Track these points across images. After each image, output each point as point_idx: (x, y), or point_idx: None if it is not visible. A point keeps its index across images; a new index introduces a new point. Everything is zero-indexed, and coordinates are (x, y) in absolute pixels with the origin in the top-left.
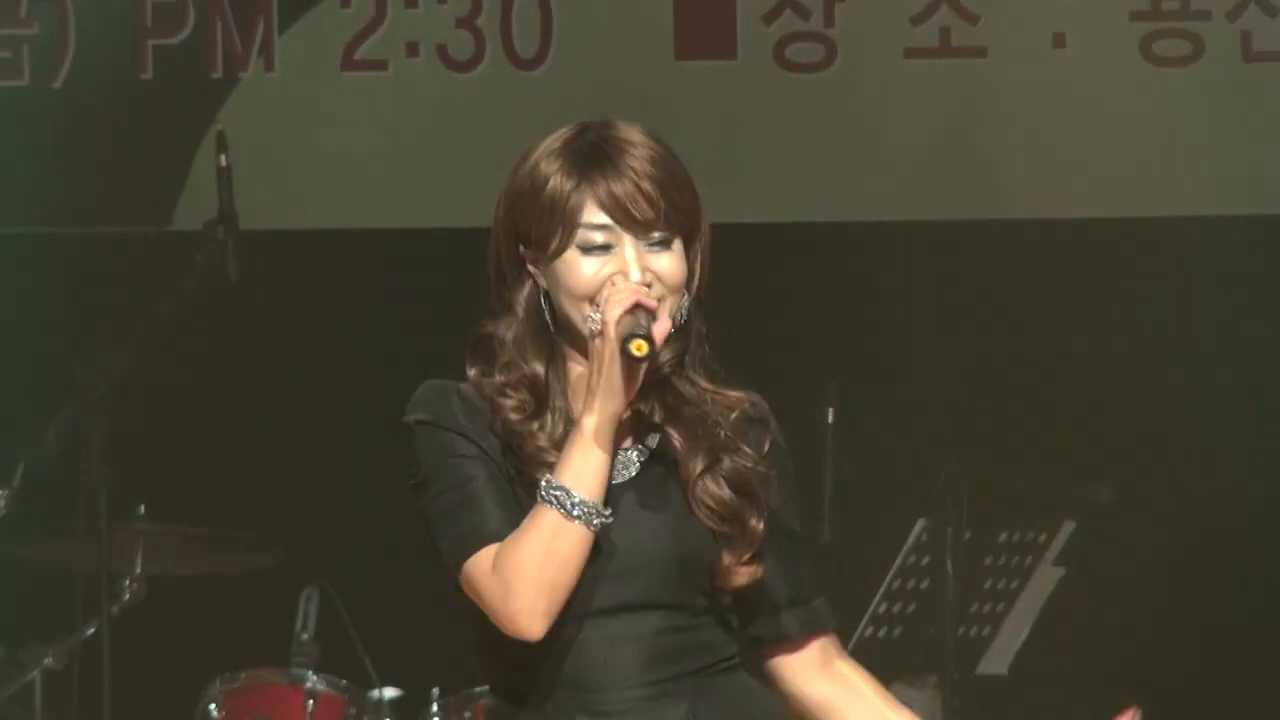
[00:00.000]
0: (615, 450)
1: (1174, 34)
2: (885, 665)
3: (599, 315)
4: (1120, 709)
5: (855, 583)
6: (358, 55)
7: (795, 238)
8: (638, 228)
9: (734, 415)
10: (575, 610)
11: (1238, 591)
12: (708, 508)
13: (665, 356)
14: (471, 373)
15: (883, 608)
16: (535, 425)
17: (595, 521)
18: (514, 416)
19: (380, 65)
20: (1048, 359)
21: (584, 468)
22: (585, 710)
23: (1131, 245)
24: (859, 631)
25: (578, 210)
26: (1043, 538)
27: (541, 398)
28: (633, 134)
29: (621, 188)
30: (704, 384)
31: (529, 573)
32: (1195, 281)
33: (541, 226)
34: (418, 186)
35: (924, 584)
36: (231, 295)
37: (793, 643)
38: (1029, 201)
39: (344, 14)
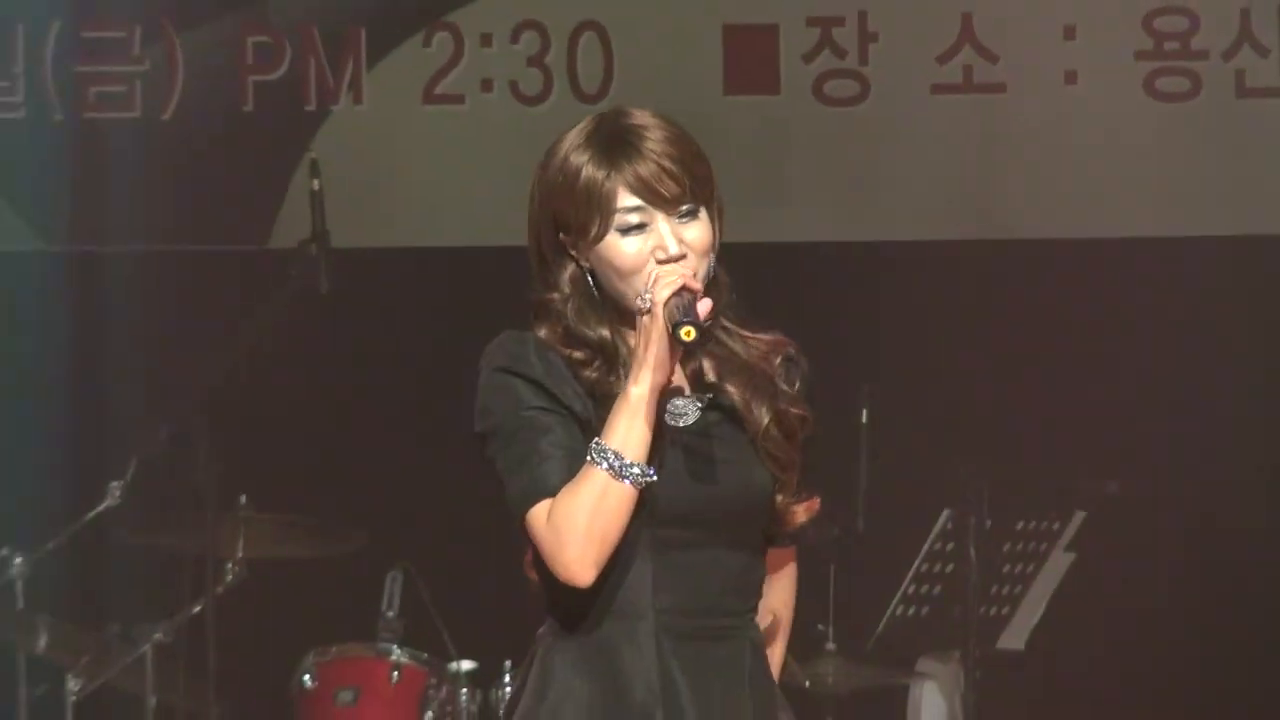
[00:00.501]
0: (667, 403)
1: (1174, 72)
2: (914, 641)
3: (649, 295)
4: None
5: (887, 567)
6: (437, 90)
7: (832, 255)
8: (667, 204)
9: (777, 360)
10: (649, 540)
11: (1233, 576)
12: (773, 457)
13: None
14: (542, 331)
15: (912, 589)
16: (614, 380)
17: (641, 480)
18: (594, 375)
19: (458, 99)
20: (1059, 365)
21: (630, 433)
22: (651, 635)
23: (1135, 262)
24: (890, 610)
25: (611, 197)
26: (1056, 526)
27: (611, 359)
28: (646, 118)
29: (647, 169)
30: (741, 331)
31: (579, 526)
32: (1192, 295)
33: (580, 215)
34: (490, 208)
35: (949, 568)
36: (323, 306)
37: (776, 551)
38: (1043, 223)
39: (425, 53)
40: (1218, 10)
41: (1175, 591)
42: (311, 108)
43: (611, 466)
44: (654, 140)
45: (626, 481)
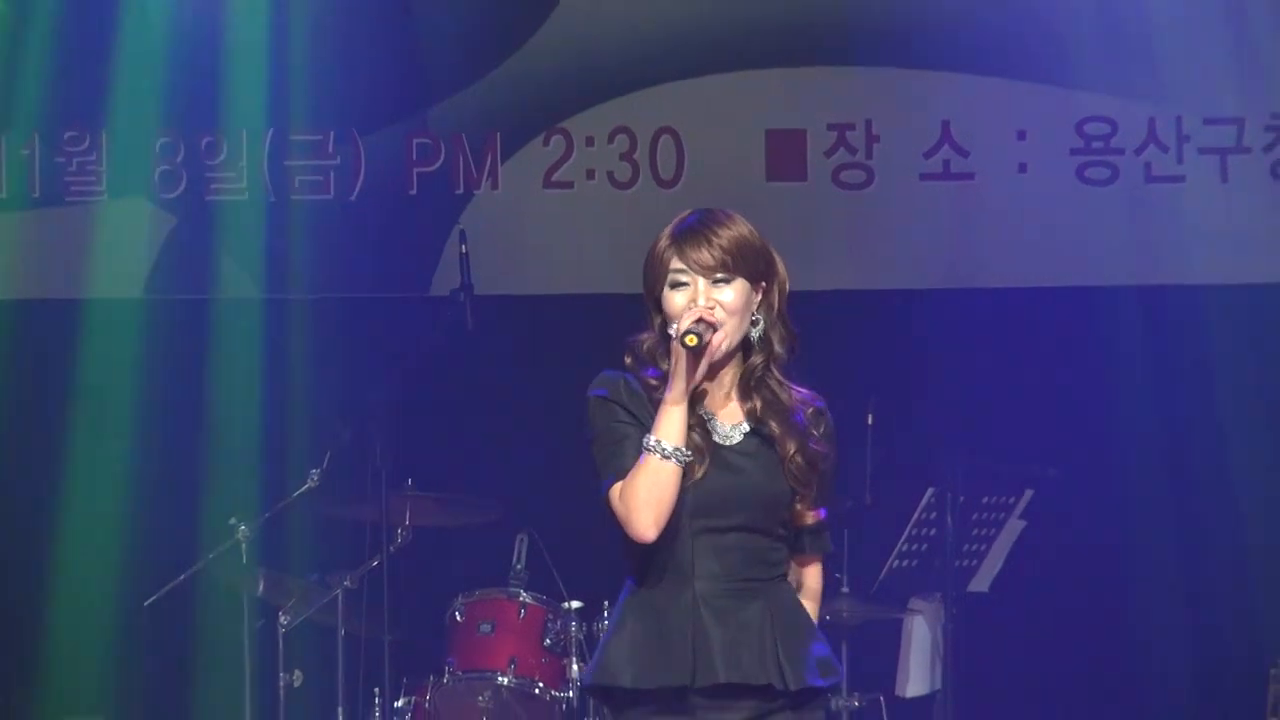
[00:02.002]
0: (720, 427)
1: (1099, 164)
2: (906, 586)
3: (676, 326)
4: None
5: (886, 530)
6: (554, 178)
7: (848, 300)
8: (704, 270)
9: (809, 410)
10: (694, 526)
11: (1152, 537)
12: (794, 475)
13: (751, 362)
14: (629, 362)
15: (905, 547)
16: None
17: (680, 460)
18: (661, 394)
19: (569, 185)
20: (1015, 382)
21: (668, 426)
22: (699, 595)
23: (1069, 306)
24: (889, 562)
25: (668, 262)
26: (1011, 500)
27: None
28: (717, 214)
29: (691, 243)
30: (788, 384)
31: (640, 496)
32: (1110, 329)
33: (653, 278)
34: (593, 266)
35: (932, 532)
36: (469, 338)
37: (803, 557)
38: (1002, 276)
39: (544, 150)
40: (1131, 118)
41: (1100, 549)
42: (460, 191)
43: (657, 451)
44: (709, 225)
45: (670, 460)
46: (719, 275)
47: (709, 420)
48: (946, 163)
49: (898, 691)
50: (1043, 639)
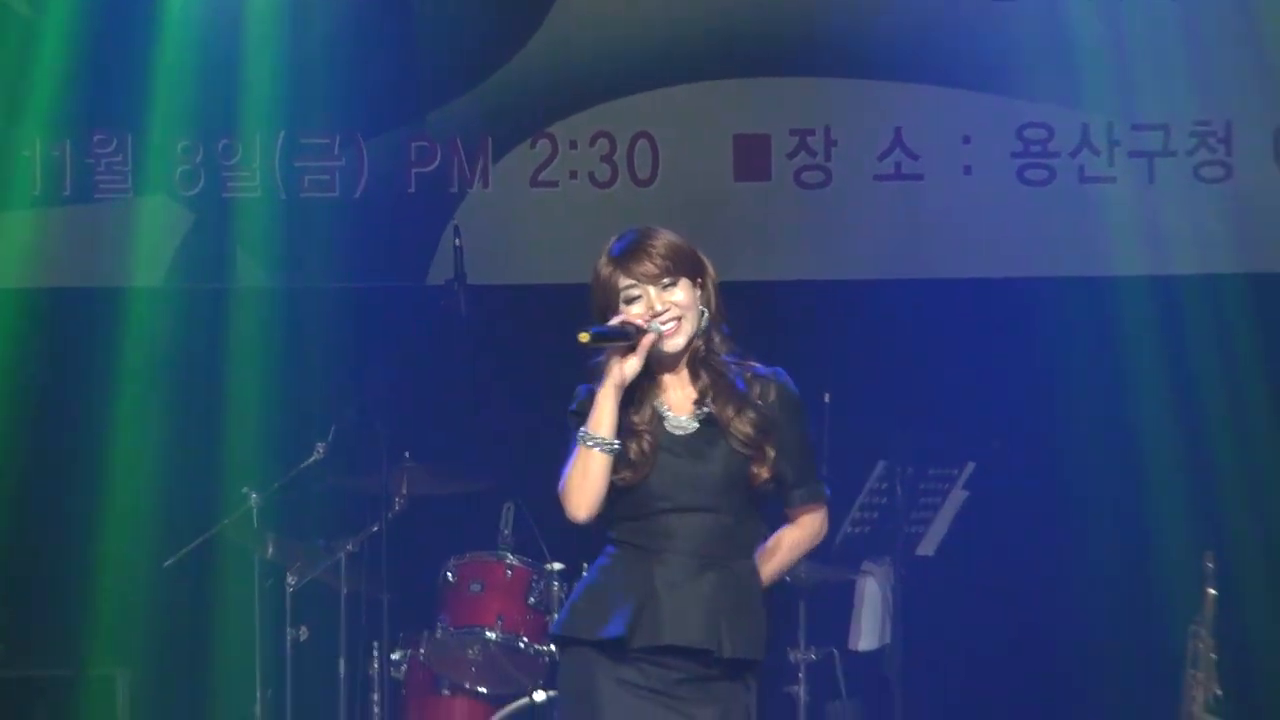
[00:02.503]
0: (667, 412)
1: (1037, 165)
2: (859, 549)
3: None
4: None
5: (842, 500)
6: (540, 178)
7: (807, 290)
8: (651, 279)
9: (748, 376)
10: (662, 504)
11: (1086, 505)
12: (741, 441)
13: (684, 347)
14: (595, 383)
15: (858, 515)
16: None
17: (607, 449)
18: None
19: (553, 184)
20: (960, 364)
21: (597, 417)
22: (659, 561)
23: (1011, 295)
24: (843, 529)
25: (617, 282)
26: (955, 471)
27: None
28: (645, 230)
29: (634, 259)
30: (729, 363)
31: (572, 483)
32: (1048, 317)
33: (605, 301)
34: (575, 258)
35: (883, 500)
36: (463, 324)
37: (789, 510)
38: (949, 267)
39: (531, 153)
40: (1067, 124)
41: (1037, 517)
42: (454, 190)
43: (584, 440)
44: (641, 242)
45: (595, 449)
46: (665, 280)
47: (664, 414)
48: (898, 165)
49: (851, 645)
50: (984, 599)
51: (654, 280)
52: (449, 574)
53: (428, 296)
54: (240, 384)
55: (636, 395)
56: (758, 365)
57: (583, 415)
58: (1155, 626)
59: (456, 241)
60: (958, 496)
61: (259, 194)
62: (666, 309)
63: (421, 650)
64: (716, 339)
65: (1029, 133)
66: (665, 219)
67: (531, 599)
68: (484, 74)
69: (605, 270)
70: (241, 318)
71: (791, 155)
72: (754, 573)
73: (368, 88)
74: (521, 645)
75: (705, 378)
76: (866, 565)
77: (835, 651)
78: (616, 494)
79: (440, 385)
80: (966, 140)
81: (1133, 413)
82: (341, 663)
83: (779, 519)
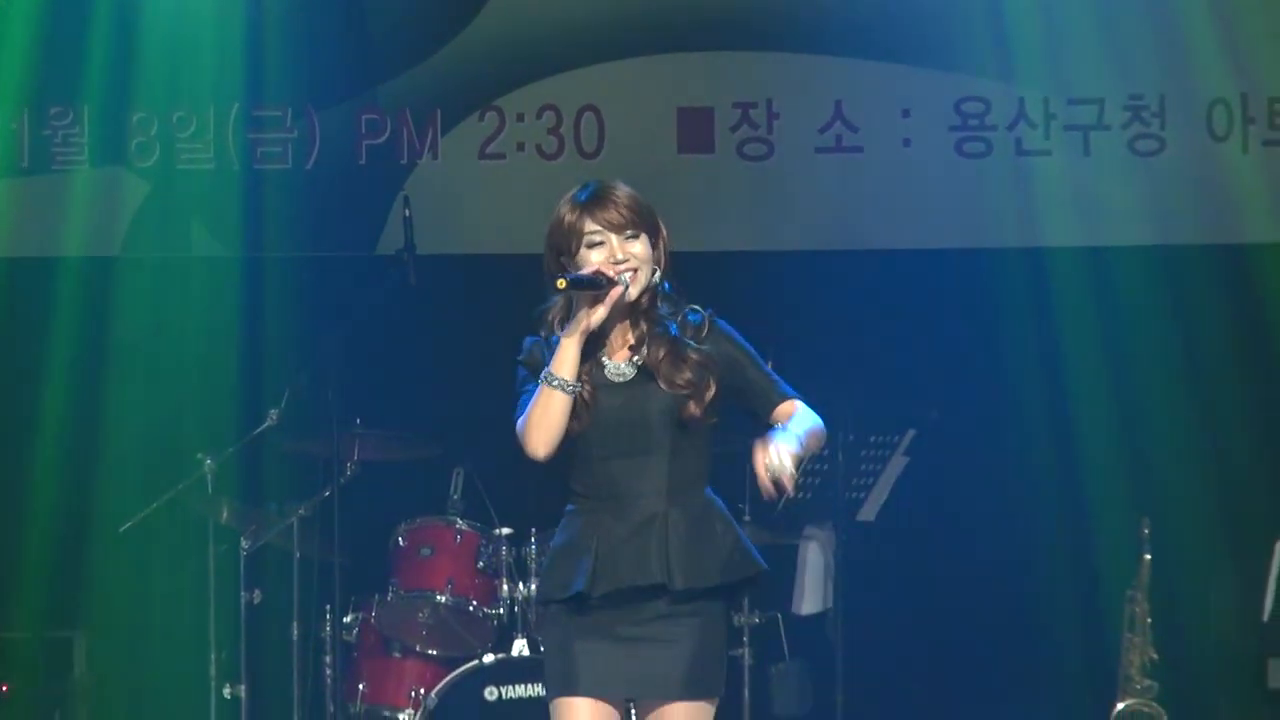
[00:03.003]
0: (606, 360)
1: (975, 139)
2: (802, 515)
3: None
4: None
5: None
6: (488, 150)
7: (750, 261)
8: (616, 228)
9: (681, 320)
10: (606, 452)
11: (1023, 470)
12: (674, 383)
13: (635, 299)
14: (541, 333)
15: (801, 480)
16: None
17: (568, 389)
18: None
19: (501, 157)
20: (899, 333)
21: (561, 359)
22: (611, 511)
23: (946, 265)
24: (785, 495)
25: (581, 227)
26: (895, 439)
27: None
28: (609, 182)
29: (601, 207)
30: (664, 311)
31: (532, 420)
32: (984, 289)
33: (564, 244)
34: (522, 229)
35: (825, 467)
36: (413, 293)
37: (776, 411)
38: (887, 238)
39: (480, 125)
40: (1003, 98)
41: (974, 481)
42: (404, 162)
43: (549, 381)
44: (608, 192)
45: (557, 388)
46: (628, 231)
47: (603, 361)
48: (839, 138)
49: (794, 609)
50: (923, 564)
51: (618, 229)
52: (399, 538)
53: (378, 266)
54: (195, 352)
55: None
56: (691, 311)
57: (531, 365)
58: (1092, 591)
59: (406, 212)
60: (898, 463)
61: (213, 165)
62: (626, 259)
63: (373, 613)
64: (659, 294)
65: (967, 106)
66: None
67: (480, 563)
68: (433, 47)
69: (569, 215)
70: (196, 287)
71: (734, 128)
72: (707, 505)
73: (319, 61)
74: (471, 608)
75: (643, 326)
76: (809, 530)
77: (779, 615)
78: (565, 447)
79: (390, 353)
80: (906, 114)
81: (1068, 381)
82: (294, 625)
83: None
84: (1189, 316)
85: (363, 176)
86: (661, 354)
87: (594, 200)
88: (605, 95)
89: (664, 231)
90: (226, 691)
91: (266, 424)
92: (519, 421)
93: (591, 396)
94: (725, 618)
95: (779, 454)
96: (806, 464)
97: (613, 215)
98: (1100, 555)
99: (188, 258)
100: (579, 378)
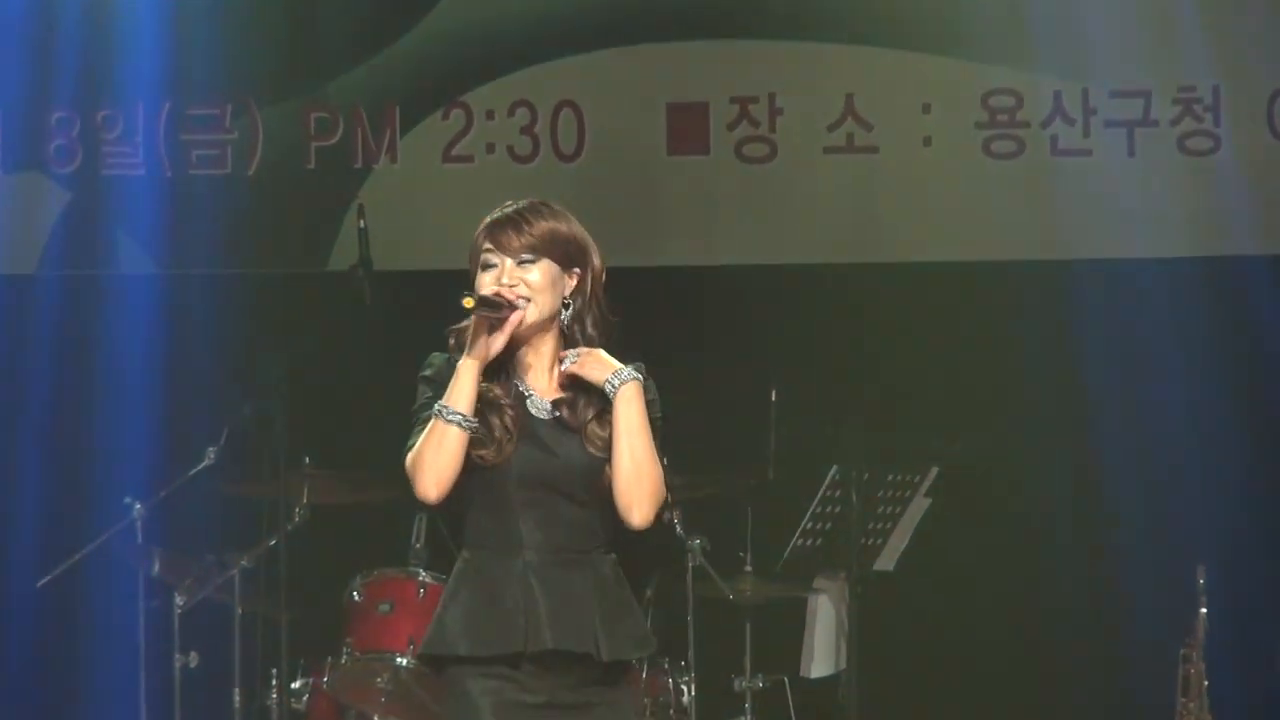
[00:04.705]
0: (529, 391)
1: (1005, 137)
2: (811, 564)
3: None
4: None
5: (790, 508)
6: (453, 152)
7: (750, 276)
8: (510, 252)
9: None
10: (519, 499)
11: (1060, 514)
12: (593, 443)
13: (543, 329)
14: (452, 344)
15: (809, 525)
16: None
17: (464, 425)
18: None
19: (468, 159)
20: (921, 358)
21: (454, 391)
22: (521, 564)
23: (974, 281)
24: (793, 541)
25: (480, 247)
26: (917, 478)
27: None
28: (534, 204)
29: (501, 229)
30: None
31: (425, 458)
32: (1012, 305)
33: (471, 264)
34: None
35: (837, 510)
36: (367, 314)
37: None
38: (905, 250)
39: (444, 124)
40: (1037, 91)
41: (1007, 527)
42: (358, 166)
43: (440, 414)
44: (517, 211)
45: (451, 424)
46: (524, 256)
47: (527, 395)
48: (850, 136)
49: (802, 672)
50: (949, 618)
51: (512, 253)
52: (355, 593)
53: (329, 284)
54: (122, 382)
55: (496, 369)
56: (635, 367)
57: (436, 383)
58: (1140, 648)
59: (361, 223)
60: (919, 505)
61: (142, 171)
62: (515, 284)
63: (325, 678)
64: (590, 337)
65: (995, 100)
66: (591, 197)
67: None
68: (391, 37)
69: (478, 231)
70: (123, 308)
71: (732, 126)
72: (616, 566)
73: (262, 53)
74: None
75: (565, 376)
76: (819, 582)
77: (785, 680)
78: (473, 481)
79: (344, 383)
80: (926, 109)
81: (1109, 411)
82: (236, 693)
83: None
84: (1248, 338)
85: (311, 183)
86: (591, 413)
87: (498, 219)
88: (585, 90)
89: (595, 265)
90: None
91: (203, 464)
92: (408, 456)
93: (515, 426)
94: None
95: (590, 358)
96: (815, 505)
97: (509, 238)
98: (1149, 609)
99: (113, 275)
100: (499, 405)
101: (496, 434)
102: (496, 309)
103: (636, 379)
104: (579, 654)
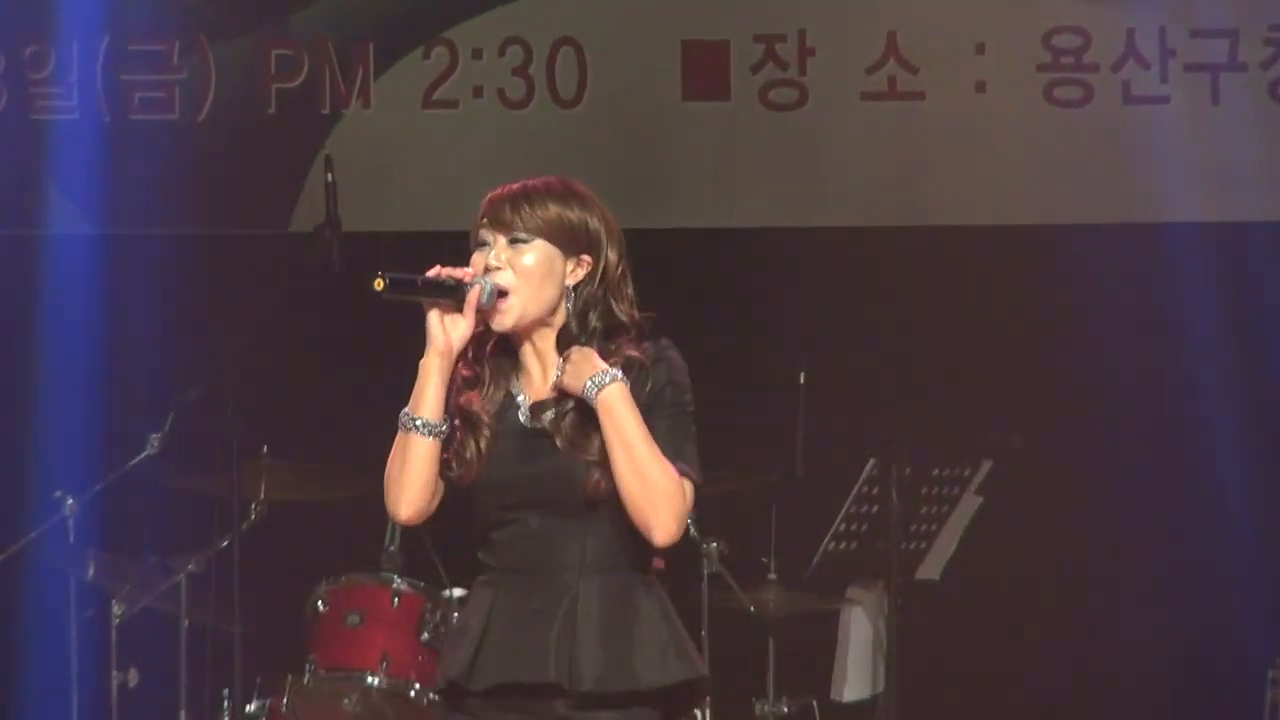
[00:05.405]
0: (520, 395)
1: (1070, 82)
2: (844, 571)
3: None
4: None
5: (821, 508)
6: (435, 96)
7: (776, 241)
8: (503, 228)
9: (616, 364)
10: (504, 517)
11: (1129, 515)
12: (573, 451)
13: (563, 338)
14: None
15: (843, 527)
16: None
17: (431, 433)
18: (463, 375)
19: (452, 104)
20: (973, 334)
21: (417, 395)
22: (513, 585)
23: (1034, 245)
24: (824, 545)
25: (478, 224)
26: (967, 473)
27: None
28: (547, 181)
29: (499, 203)
30: (615, 352)
31: (391, 474)
32: (1080, 274)
33: (472, 239)
34: (479, 198)
35: (874, 509)
36: (335, 282)
37: None
38: (955, 211)
39: (425, 64)
40: (1107, 29)
41: (1068, 529)
42: (326, 111)
43: (403, 424)
44: (520, 187)
45: (415, 434)
46: (519, 236)
47: (519, 402)
48: (892, 80)
49: (833, 695)
50: (1002, 634)
51: (505, 230)
52: (319, 602)
53: (292, 248)
54: (52, 358)
55: (492, 372)
56: (631, 352)
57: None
58: (1223, 668)
59: (329, 177)
60: (969, 504)
61: (76, 116)
62: (500, 269)
63: (285, 700)
64: (594, 329)
65: (1060, 40)
66: (593, 149)
67: (425, 635)
68: None
69: (480, 208)
70: (54, 273)
71: (756, 68)
72: (634, 587)
73: None
74: (413, 694)
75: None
76: (852, 592)
77: (814, 704)
78: (454, 499)
79: (307, 361)
80: (980, 49)
81: (1192, 397)
82: (182, 715)
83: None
84: None
85: (272, 131)
86: (567, 411)
87: (501, 196)
88: (588, 25)
89: (609, 254)
90: None
91: (145, 453)
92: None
93: (491, 443)
94: None
95: (574, 365)
96: (850, 505)
97: (504, 213)
98: (1235, 622)
99: (44, 235)
100: (476, 421)
101: (468, 455)
102: (438, 291)
103: (618, 380)
104: (543, 685)
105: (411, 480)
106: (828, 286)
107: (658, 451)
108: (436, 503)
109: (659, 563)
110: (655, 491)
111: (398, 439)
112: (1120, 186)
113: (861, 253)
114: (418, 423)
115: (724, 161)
